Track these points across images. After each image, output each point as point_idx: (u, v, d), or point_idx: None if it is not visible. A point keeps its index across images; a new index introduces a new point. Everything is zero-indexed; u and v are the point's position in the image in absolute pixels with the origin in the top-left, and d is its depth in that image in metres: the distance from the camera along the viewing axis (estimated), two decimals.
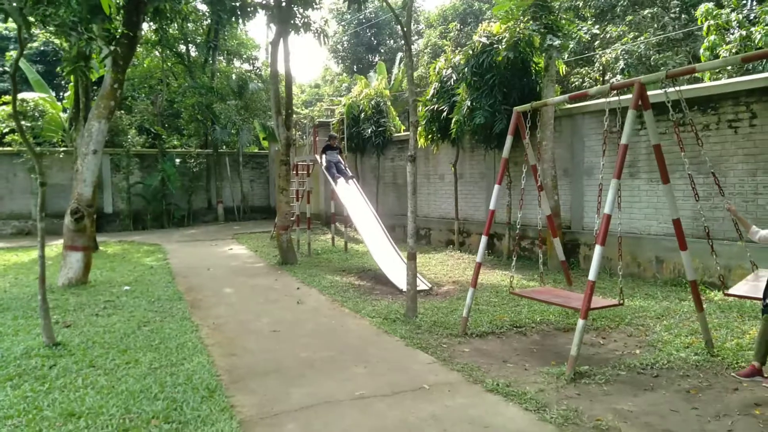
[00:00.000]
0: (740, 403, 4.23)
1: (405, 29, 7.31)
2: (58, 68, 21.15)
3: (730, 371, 4.83)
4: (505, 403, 4.28)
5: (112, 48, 7.63)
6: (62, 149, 18.99)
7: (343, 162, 12.94)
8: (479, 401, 4.32)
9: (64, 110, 20.99)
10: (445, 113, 11.92)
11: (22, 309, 7.58)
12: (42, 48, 26.60)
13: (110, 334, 6.26)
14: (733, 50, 10.40)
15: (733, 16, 10.94)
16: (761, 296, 4.44)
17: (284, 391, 4.59)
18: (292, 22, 11.65)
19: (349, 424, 3.95)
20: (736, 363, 4.99)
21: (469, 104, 10.61)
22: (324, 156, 12.60)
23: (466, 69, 10.80)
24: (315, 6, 12.19)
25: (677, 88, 4.93)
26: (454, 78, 11.80)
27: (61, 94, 28.24)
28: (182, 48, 22.74)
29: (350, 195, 12.35)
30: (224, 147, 23.12)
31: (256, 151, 25.48)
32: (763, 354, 4.34)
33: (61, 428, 3.85)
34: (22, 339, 6.04)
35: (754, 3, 14.18)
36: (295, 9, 11.67)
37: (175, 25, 17.02)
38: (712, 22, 10.88)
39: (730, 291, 4.91)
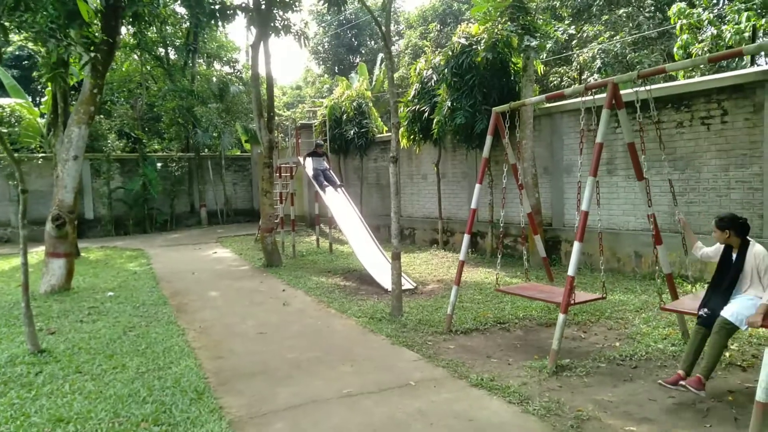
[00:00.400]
0: (714, 390, 4.38)
1: (384, 31, 7.39)
2: (34, 73, 20.90)
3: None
4: (489, 396, 4.38)
5: (92, 54, 7.58)
6: (41, 155, 18.74)
7: (330, 169, 12.77)
8: (464, 396, 4.42)
9: (42, 116, 20.69)
10: (426, 114, 12.05)
11: (3, 317, 7.52)
12: (17, 53, 26.20)
13: (96, 339, 6.24)
14: (705, 48, 10.69)
15: (705, 15, 11.23)
16: (695, 311, 4.47)
17: (272, 392, 4.64)
18: (272, 24, 11.67)
19: (337, 422, 4.02)
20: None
21: (449, 105, 10.74)
22: (309, 162, 12.38)
23: (446, 70, 10.93)
24: (295, 9, 12.22)
25: (646, 88, 5.08)
26: (435, 79, 11.93)
27: (38, 99, 27.85)
28: (161, 51, 22.54)
29: (334, 196, 12.40)
30: (206, 150, 23.01)
31: (239, 153, 25.38)
32: (691, 363, 4.29)
33: None
34: (5, 347, 6.00)
35: (725, 2, 14.54)
36: (274, 11, 11.70)
37: (154, 28, 16.91)
38: (684, 21, 11.16)
39: (668, 306, 4.94)
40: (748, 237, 4.40)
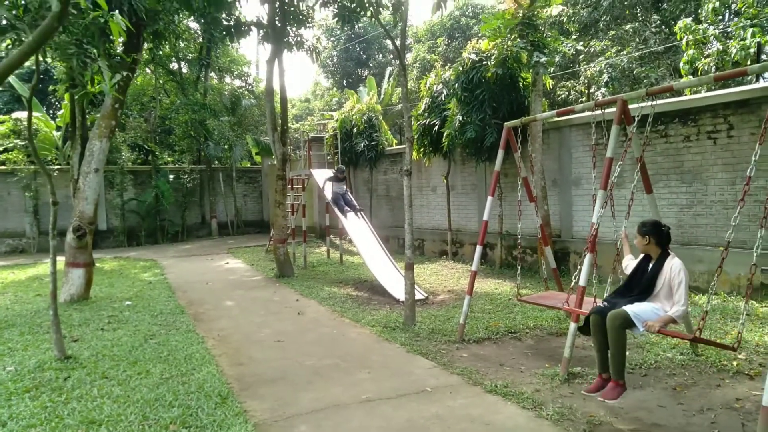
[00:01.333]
0: (722, 398, 4.52)
1: (399, 48, 7.64)
2: (50, 87, 21.39)
3: (713, 369, 5.14)
4: (503, 402, 4.53)
5: (124, 73, 7.87)
6: (56, 167, 19.09)
7: (348, 192, 12.64)
8: (479, 401, 4.57)
9: (57, 128, 21.14)
10: (436, 127, 12.27)
11: (27, 325, 7.73)
12: (33, 66, 26.73)
13: (118, 347, 6.44)
14: (711, 64, 10.88)
15: (711, 31, 11.44)
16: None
17: (293, 397, 4.81)
18: (285, 40, 11.99)
19: (357, 425, 4.18)
20: (719, 362, 5.29)
21: (460, 119, 10.96)
22: (329, 186, 12.17)
23: (456, 84, 11.17)
24: (307, 25, 12.54)
25: (652, 103, 5.25)
26: (445, 93, 12.17)
27: (51, 112, 28.37)
28: (174, 65, 22.99)
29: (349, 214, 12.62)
30: (217, 162, 23.34)
31: (249, 166, 25.72)
32: (602, 362, 4.36)
33: None
34: (33, 353, 6.21)
35: (731, 18, 14.74)
36: (288, 28, 12.01)
37: (168, 43, 17.32)
38: (690, 37, 11.36)
39: (524, 297, 5.06)
40: (668, 249, 4.41)
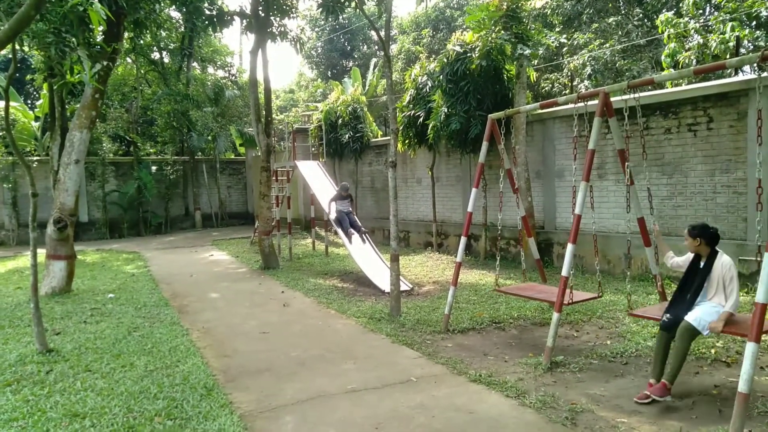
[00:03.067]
0: (700, 385, 4.63)
1: (383, 39, 7.61)
2: (28, 76, 20.93)
3: (692, 357, 5.25)
4: (487, 391, 4.60)
5: (104, 63, 7.75)
6: (36, 158, 18.75)
7: (353, 213, 11.17)
8: (464, 390, 4.63)
9: (36, 119, 20.74)
10: (421, 119, 12.28)
11: (7, 318, 7.63)
12: (9, 56, 26.15)
13: (101, 340, 6.39)
14: (692, 57, 11.02)
15: (691, 24, 11.57)
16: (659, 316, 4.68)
17: (278, 388, 4.83)
18: (269, 30, 11.87)
19: (343, 415, 4.21)
20: (698, 350, 5.41)
21: (445, 110, 10.98)
22: (333, 206, 10.71)
23: (441, 76, 11.17)
24: (291, 15, 12.44)
25: (635, 96, 5.32)
26: (430, 85, 12.17)
27: (30, 102, 27.80)
28: (156, 55, 22.64)
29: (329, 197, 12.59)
30: (201, 154, 23.11)
31: (233, 157, 25.51)
32: (660, 371, 4.46)
33: (67, 428, 4.02)
34: (13, 347, 6.13)
35: (711, 11, 14.93)
36: (272, 18, 11.90)
37: (149, 32, 17.04)
38: (672, 30, 11.49)
39: (636, 312, 5.20)
40: (716, 248, 4.57)
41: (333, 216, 10.66)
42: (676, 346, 4.38)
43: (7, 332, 6.86)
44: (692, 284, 4.61)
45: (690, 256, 4.77)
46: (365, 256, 10.48)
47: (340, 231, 10.59)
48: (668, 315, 4.57)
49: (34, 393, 4.71)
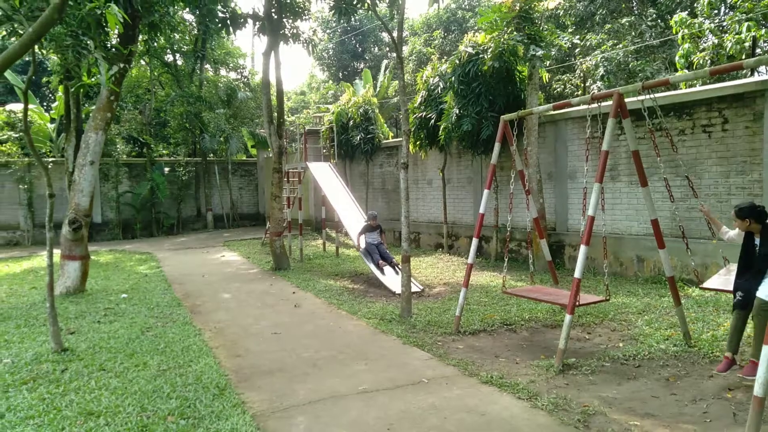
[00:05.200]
0: (715, 388, 4.58)
1: (396, 40, 7.63)
2: (44, 78, 21.24)
3: (706, 360, 5.20)
4: (499, 393, 4.58)
5: (121, 65, 7.84)
6: (51, 159, 19.00)
7: (384, 243, 10.53)
8: (475, 392, 4.62)
9: (52, 120, 21.03)
10: (432, 120, 12.27)
11: (23, 318, 7.72)
12: (27, 58, 26.50)
13: (115, 339, 6.45)
14: (707, 58, 10.91)
15: (706, 24, 11.46)
16: (731, 289, 4.81)
17: (291, 388, 4.85)
18: (281, 32, 11.93)
19: (355, 416, 4.22)
20: (712, 353, 5.36)
21: (456, 112, 10.97)
22: (363, 238, 10.34)
23: (453, 78, 11.16)
24: (304, 17, 12.50)
25: (652, 96, 5.29)
26: (441, 86, 12.16)
27: (45, 104, 28.17)
28: (169, 57, 22.87)
29: (340, 201, 12.62)
30: (213, 155, 23.27)
31: (245, 158, 25.66)
32: (736, 345, 4.67)
33: (82, 426, 4.07)
34: (29, 346, 6.22)
35: (726, 12, 14.77)
36: (284, 20, 11.96)
37: (163, 35, 17.24)
38: (686, 30, 11.38)
39: (705, 284, 5.29)
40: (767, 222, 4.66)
41: (362, 247, 10.34)
42: (757, 325, 4.44)
43: (23, 331, 6.95)
44: (753, 261, 4.67)
45: (742, 232, 4.84)
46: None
47: (370, 264, 10.14)
48: (740, 293, 4.66)
49: (49, 391, 4.77)
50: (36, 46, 6.80)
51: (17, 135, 18.51)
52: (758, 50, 11.34)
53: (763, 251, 4.62)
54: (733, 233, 5.07)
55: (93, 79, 8.05)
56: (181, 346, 6.13)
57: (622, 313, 7.01)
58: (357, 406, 4.39)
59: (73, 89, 9.48)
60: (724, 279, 5.14)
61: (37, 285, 10.34)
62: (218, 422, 4.10)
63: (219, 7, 11.71)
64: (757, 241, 4.69)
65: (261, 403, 4.49)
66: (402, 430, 3.96)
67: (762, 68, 10.29)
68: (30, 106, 19.25)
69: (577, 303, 5.39)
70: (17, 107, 19.04)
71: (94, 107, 9.85)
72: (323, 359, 5.64)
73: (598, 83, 16.01)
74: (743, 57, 10.39)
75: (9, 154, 18.22)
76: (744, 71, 11.54)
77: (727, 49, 10.47)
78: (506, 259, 6.98)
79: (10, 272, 12.50)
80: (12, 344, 6.34)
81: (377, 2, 9.87)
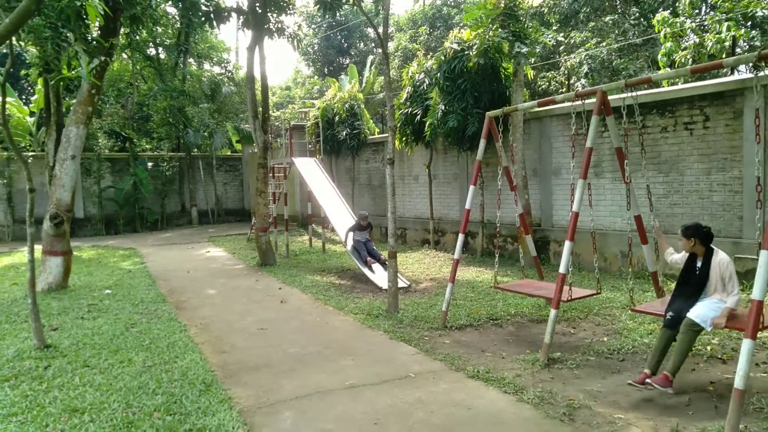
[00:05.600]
0: (696, 381, 4.67)
1: (381, 36, 7.62)
2: (22, 71, 20.82)
3: (688, 355, 5.29)
4: (485, 387, 4.62)
5: (101, 58, 7.72)
6: (31, 154, 18.66)
7: (371, 240, 10.60)
8: (462, 386, 4.65)
9: (31, 114, 20.63)
10: (418, 116, 12.28)
11: (4, 314, 7.61)
12: (4, 50, 25.99)
13: (99, 336, 6.38)
14: (688, 56, 11.06)
15: (688, 24, 11.62)
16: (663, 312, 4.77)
17: (277, 384, 4.84)
18: (266, 27, 11.84)
19: (341, 410, 4.23)
20: (694, 347, 5.43)
21: (442, 108, 10.99)
22: (351, 236, 10.34)
23: (438, 74, 11.18)
24: (288, 11, 12.40)
25: (633, 94, 5.35)
26: (427, 82, 12.17)
27: (25, 97, 27.65)
28: (152, 51, 22.57)
29: (327, 196, 12.59)
30: (197, 150, 23.04)
31: (229, 154, 25.44)
32: (657, 363, 4.55)
33: (66, 422, 4.02)
34: (11, 342, 6.13)
35: (707, 11, 14.99)
36: (269, 14, 11.87)
37: (145, 28, 17.02)
38: (668, 29, 11.53)
39: (638, 307, 5.26)
40: (711, 245, 4.66)
41: (349, 246, 10.34)
42: (680, 341, 4.45)
43: (5, 328, 6.85)
44: (691, 282, 4.68)
45: (686, 254, 4.83)
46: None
47: (358, 261, 10.11)
48: (671, 313, 4.63)
49: (32, 388, 4.71)
50: (14, 38, 6.68)
51: None
52: (738, 49, 11.54)
53: (702, 272, 4.62)
54: (677, 256, 5.05)
55: (73, 72, 7.92)
56: (166, 342, 6.09)
57: (606, 308, 7.10)
58: (344, 401, 4.40)
59: (53, 82, 9.29)
60: (659, 304, 5.18)
61: (18, 281, 10.17)
62: (205, 418, 4.08)
63: (202, 0, 11.58)
64: (699, 263, 4.68)
65: (247, 399, 4.48)
66: (389, 424, 3.98)
67: (741, 67, 10.46)
68: (9, 99, 18.95)
69: (569, 297, 5.46)
70: None
71: (74, 101, 9.69)
72: (310, 355, 5.64)
73: (582, 81, 16.15)
74: (723, 56, 10.55)
75: None
76: (724, 70, 11.73)
77: (708, 48, 10.63)
78: (497, 255, 7.02)
79: None
80: None
81: None
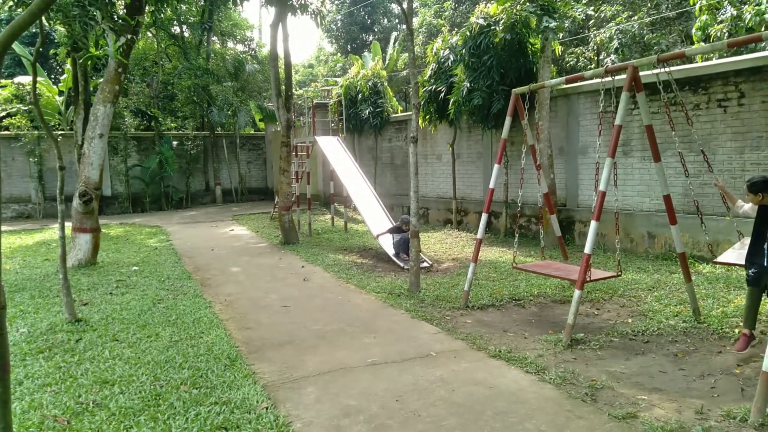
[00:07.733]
0: (723, 364, 4.59)
1: (406, 11, 7.50)
2: (51, 50, 21.13)
3: (715, 336, 5.20)
4: (507, 366, 4.62)
5: (128, 37, 7.77)
6: (60, 132, 19.03)
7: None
8: (483, 365, 4.66)
9: (60, 93, 20.99)
10: (443, 94, 12.13)
11: (37, 289, 7.84)
12: (35, 29, 26.36)
13: (127, 311, 6.54)
14: (724, 30, 10.62)
15: None
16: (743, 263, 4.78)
17: (300, 360, 4.91)
18: (289, 3, 11.75)
19: (364, 387, 4.28)
20: (721, 329, 5.35)
21: (467, 85, 10.82)
22: (387, 235, 10.07)
23: (463, 50, 10.98)
24: None
25: (667, 69, 5.18)
26: (452, 59, 11.97)
27: (53, 76, 28.10)
28: (176, 29, 22.63)
29: (350, 175, 12.58)
30: (221, 129, 23.21)
31: (253, 132, 25.58)
32: (753, 321, 4.65)
33: (98, 393, 4.15)
34: (44, 316, 6.32)
35: None
36: None
37: (169, 6, 17.04)
38: (704, 2, 11.07)
39: (718, 259, 5.23)
40: None
41: (382, 239, 10.09)
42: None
43: (38, 302, 7.06)
44: (766, 234, 4.63)
45: (755, 206, 4.79)
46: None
47: (391, 254, 9.82)
48: (753, 269, 4.64)
49: (65, 360, 4.87)
50: (43, 17, 6.75)
51: (26, 108, 18.50)
52: None
53: None
54: (747, 207, 5.00)
55: (101, 51, 7.99)
56: (192, 318, 6.21)
57: (631, 289, 7.00)
58: (366, 378, 4.45)
59: (80, 61, 9.40)
60: (738, 253, 5.10)
61: (50, 257, 10.46)
62: (230, 392, 4.17)
63: None
64: None
65: (271, 374, 4.56)
66: (410, 401, 4.01)
67: None
68: (38, 78, 19.27)
69: (589, 278, 5.38)
70: (25, 80, 18.99)
71: (102, 80, 9.81)
72: (332, 332, 5.69)
73: (612, 56, 15.70)
74: (762, 29, 10.11)
75: (19, 127, 18.24)
76: (763, 44, 11.25)
77: (746, 21, 10.18)
78: (517, 235, 6.96)
79: (23, 244, 12.65)
80: (27, 315, 6.45)
81: None
